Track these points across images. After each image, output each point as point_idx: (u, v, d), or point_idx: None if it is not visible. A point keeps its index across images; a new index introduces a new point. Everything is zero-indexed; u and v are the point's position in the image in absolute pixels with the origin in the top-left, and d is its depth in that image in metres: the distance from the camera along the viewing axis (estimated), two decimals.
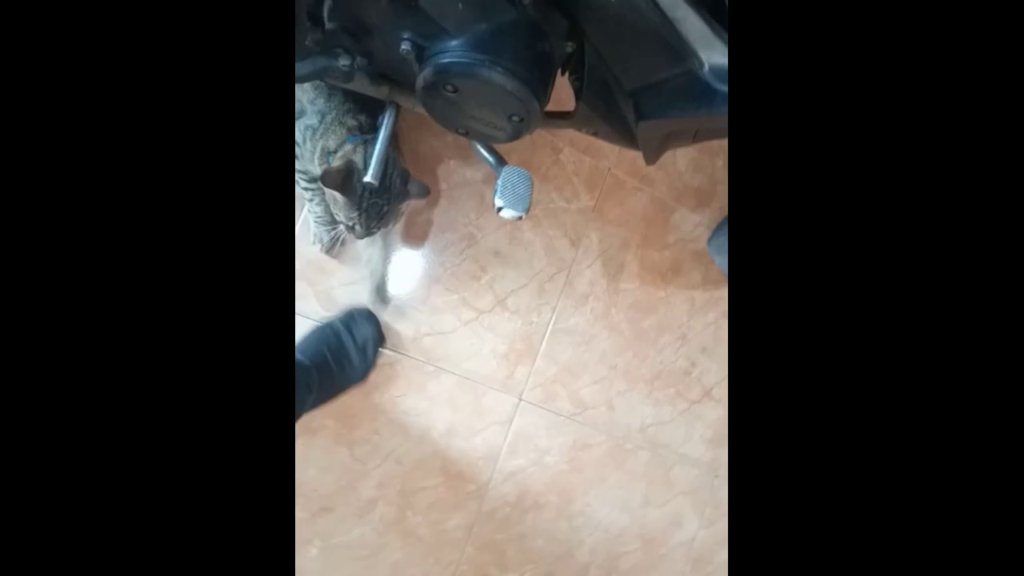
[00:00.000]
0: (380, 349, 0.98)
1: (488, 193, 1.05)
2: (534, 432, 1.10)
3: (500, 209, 0.69)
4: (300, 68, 0.64)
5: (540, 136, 1.07)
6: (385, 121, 0.67)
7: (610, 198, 1.13)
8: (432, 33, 0.61)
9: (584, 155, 1.10)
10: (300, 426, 0.95)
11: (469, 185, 1.04)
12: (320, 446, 0.97)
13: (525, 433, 1.09)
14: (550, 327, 1.10)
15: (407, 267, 1.02)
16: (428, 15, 0.58)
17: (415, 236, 1.02)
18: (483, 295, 1.06)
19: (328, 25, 0.64)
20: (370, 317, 0.97)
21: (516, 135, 0.69)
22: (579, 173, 1.10)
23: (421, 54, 0.62)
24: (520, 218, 0.70)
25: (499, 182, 0.69)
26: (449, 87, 0.62)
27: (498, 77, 0.59)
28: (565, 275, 1.11)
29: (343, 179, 0.70)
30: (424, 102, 0.66)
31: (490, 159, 0.73)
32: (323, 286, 0.96)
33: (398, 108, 0.69)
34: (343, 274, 0.98)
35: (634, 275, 1.16)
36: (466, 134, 0.71)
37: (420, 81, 0.63)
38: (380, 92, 0.71)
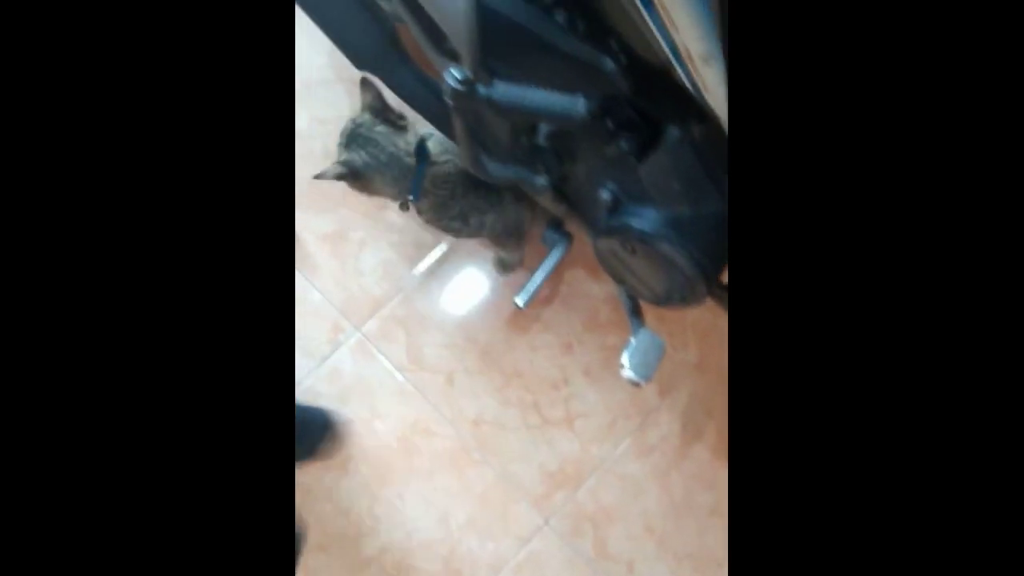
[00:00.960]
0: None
1: (604, 311, 1.03)
2: (547, 561, 1.04)
3: (623, 368, 0.66)
4: (497, 169, 0.64)
5: None
6: (553, 253, 0.66)
7: (716, 361, 1.08)
8: (635, 194, 0.60)
9: (706, 310, 1.06)
10: (336, 461, 0.94)
11: (588, 298, 1.02)
12: (346, 487, 0.95)
13: (538, 559, 1.04)
14: (605, 464, 1.05)
15: (499, 349, 1.00)
16: (639, 177, 0.57)
17: (517, 326, 1.01)
18: (556, 406, 1.02)
19: (540, 142, 0.65)
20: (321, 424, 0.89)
21: (667, 305, 0.67)
22: (697, 326, 1.07)
23: (616, 205, 0.61)
24: (639, 385, 0.67)
25: (633, 342, 0.67)
26: (630, 247, 0.61)
27: (683, 261, 0.57)
28: (641, 419, 1.06)
29: None
30: (597, 244, 0.65)
31: (631, 312, 0.71)
32: (418, 341, 0.96)
33: (569, 243, 0.68)
34: (441, 336, 0.97)
35: (709, 446, 1.10)
36: (620, 283, 0.69)
37: (605, 228, 0.62)
38: (556, 209, 0.71)
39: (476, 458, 1.00)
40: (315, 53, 0.94)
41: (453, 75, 0.47)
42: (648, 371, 0.67)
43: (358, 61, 0.65)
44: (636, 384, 0.67)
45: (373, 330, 0.96)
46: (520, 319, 1.01)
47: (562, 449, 1.03)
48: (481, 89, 0.48)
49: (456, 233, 0.82)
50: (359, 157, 0.74)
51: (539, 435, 1.02)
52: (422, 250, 0.98)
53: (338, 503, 0.95)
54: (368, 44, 0.63)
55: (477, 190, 0.77)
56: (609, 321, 1.02)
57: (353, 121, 0.73)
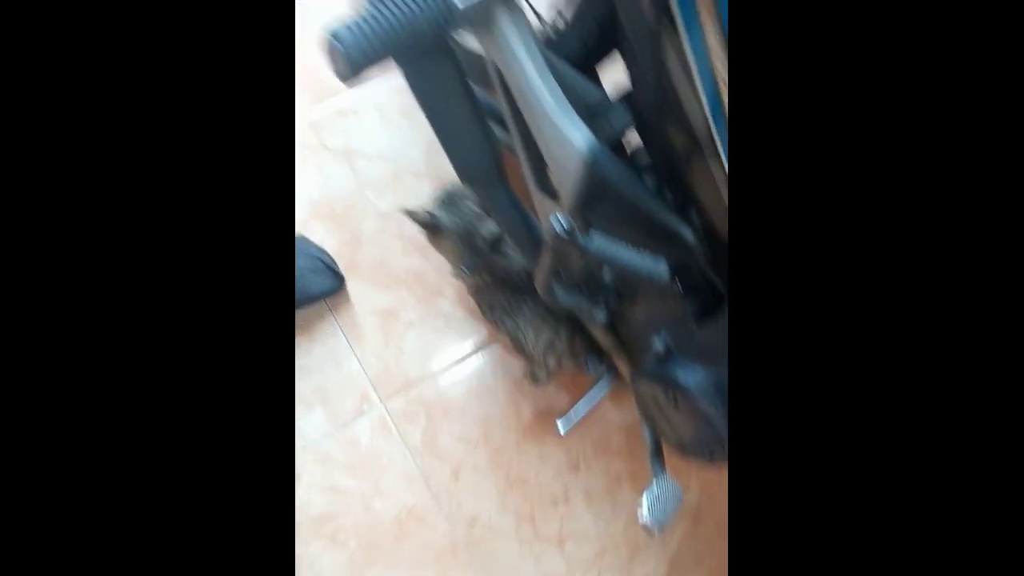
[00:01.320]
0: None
1: (616, 438, 1.06)
2: None
3: (642, 512, 0.69)
4: (563, 296, 0.70)
5: None
6: (600, 386, 0.71)
7: (715, 513, 1.09)
8: (688, 349, 0.65)
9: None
10: (321, 525, 0.94)
11: (604, 422, 1.05)
12: (330, 559, 0.94)
13: None
14: None
15: (509, 453, 1.02)
16: (695, 336, 0.63)
17: (532, 434, 1.03)
18: (551, 523, 1.03)
19: (605, 279, 0.71)
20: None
21: (689, 456, 0.70)
22: (702, 474, 1.08)
23: (667, 355, 0.66)
24: (653, 533, 0.69)
25: (655, 489, 0.70)
26: (672, 396, 0.65)
27: (720, 424, 0.62)
28: (630, 554, 1.06)
29: None
30: (639, 385, 0.70)
31: (653, 453, 0.74)
32: (435, 427, 0.99)
33: (615, 377, 0.73)
34: (458, 427, 1.00)
35: None
36: (649, 423, 0.73)
37: (651, 372, 0.67)
38: (605, 342, 0.76)
39: (463, 559, 0.99)
40: (413, 145, 1.04)
41: (559, 222, 0.54)
42: (665, 520, 0.69)
43: (462, 173, 0.73)
44: (650, 532, 0.69)
45: (397, 408, 0.99)
46: (535, 428, 1.04)
47: (548, 569, 1.02)
48: (580, 238, 0.55)
49: (492, 322, 0.89)
50: (445, 217, 0.84)
51: (528, 549, 1.02)
52: (463, 343, 1.03)
53: (319, 573, 0.94)
54: (476, 161, 0.71)
55: (522, 297, 0.84)
56: (619, 449, 1.05)
57: (454, 186, 0.85)
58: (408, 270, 1.02)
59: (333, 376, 0.98)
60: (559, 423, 0.72)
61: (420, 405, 1.00)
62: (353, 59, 0.46)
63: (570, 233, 0.55)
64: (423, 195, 1.05)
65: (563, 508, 1.03)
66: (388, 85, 1.05)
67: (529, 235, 0.73)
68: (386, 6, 0.48)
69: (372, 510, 0.96)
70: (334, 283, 0.97)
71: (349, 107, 1.02)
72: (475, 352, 1.03)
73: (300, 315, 0.97)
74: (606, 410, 1.05)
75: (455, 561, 0.99)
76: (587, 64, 0.74)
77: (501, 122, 0.76)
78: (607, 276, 0.72)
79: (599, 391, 0.71)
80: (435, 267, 1.03)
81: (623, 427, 1.06)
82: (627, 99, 0.70)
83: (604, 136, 0.61)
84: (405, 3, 0.48)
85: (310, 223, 0.99)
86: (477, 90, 0.67)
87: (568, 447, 1.04)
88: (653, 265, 0.56)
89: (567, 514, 1.03)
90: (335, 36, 0.47)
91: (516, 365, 1.05)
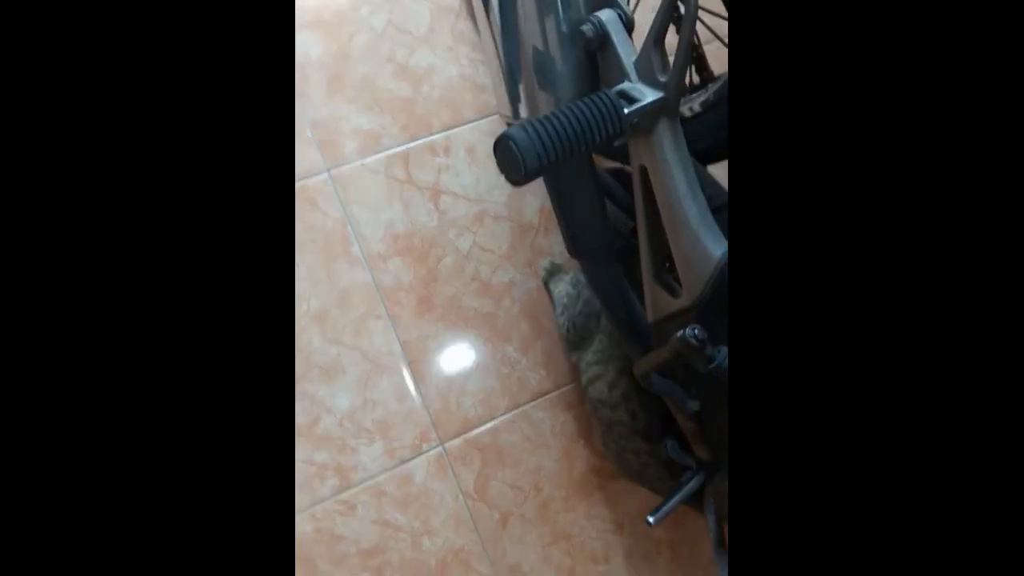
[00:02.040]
0: None
1: None
2: None
3: None
4: (660, 383, 0.71)
5: None
6: (692, 482, 0.71)
7: None
8: None
9: None
10: (370, 558, 0.95)
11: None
12: None
13: None
14: None
15: (557, 506, 1.03)
16: None
17: (582, 489, 1.04)
18: None
19: (704, 353, 0.71)
20: None
21: None
22: None
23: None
24: None
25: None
26: None
27: None
28: None
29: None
30: (718, 481, 0.70)
31: (717, 542, 0.75)
32: (489, 472, 0.99)
33: (705, 475, 0.73)
34: (511, 474, 1.01)
35: None
36: (720, 516, 0.73)
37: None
38: (690, 432, 0.76)
39: None
40: (497, 188, 1.05)
41: (694, 332, 0.54)
42: None
43: (574, 249, 0.73)
44: None
45: (455, 449, 1.00)
46: (585, 484, 1.04)
47: None
48: (709, 349, 0.55)
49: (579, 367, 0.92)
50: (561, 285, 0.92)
51: None
52: (524, 392, 1.03)
53: None
54: (591, 241, 0.71)
55: (610, 368, 0.85)
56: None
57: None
58: (479, 312, 1.03)
59: (396, 410, 0.98)
60: (649, 517, 0.73)
61: (476, 449, 1.01)
62: (529, 163, 0.47)
63: (702, 343, 0.55)
64: (502, 237, 1.05)
65: (603, 567, 1.04)
66: (480, 127, 1.05)
67: (629, 318, 0.74)
68: (562, 112, 0.48)
69: (420, 548, 0.97)
70: None
71: (441, 145, 1.03)
72: (534, 401, 1.04)
73: (370, 347, 0.98)
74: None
75: None
76: (705, 161, 0.74)
77: (613, 197, 0.76)
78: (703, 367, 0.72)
79: (690, 486, 0.72)
80: (505, 312, 1.04)
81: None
82: None
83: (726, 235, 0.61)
84: (578, 109, 0.49)
85: (390, 257, 1.00)
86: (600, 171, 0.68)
87: (614, 506, 1.04)
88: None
89: (606, 573, 1.04)
90: (511, 137, 0.47)
91: (573, 421, 1.05)
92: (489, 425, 1.02)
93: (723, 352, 0.57)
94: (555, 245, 1.06)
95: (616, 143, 0.52)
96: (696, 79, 0.80)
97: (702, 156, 0.76)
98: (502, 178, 1.08)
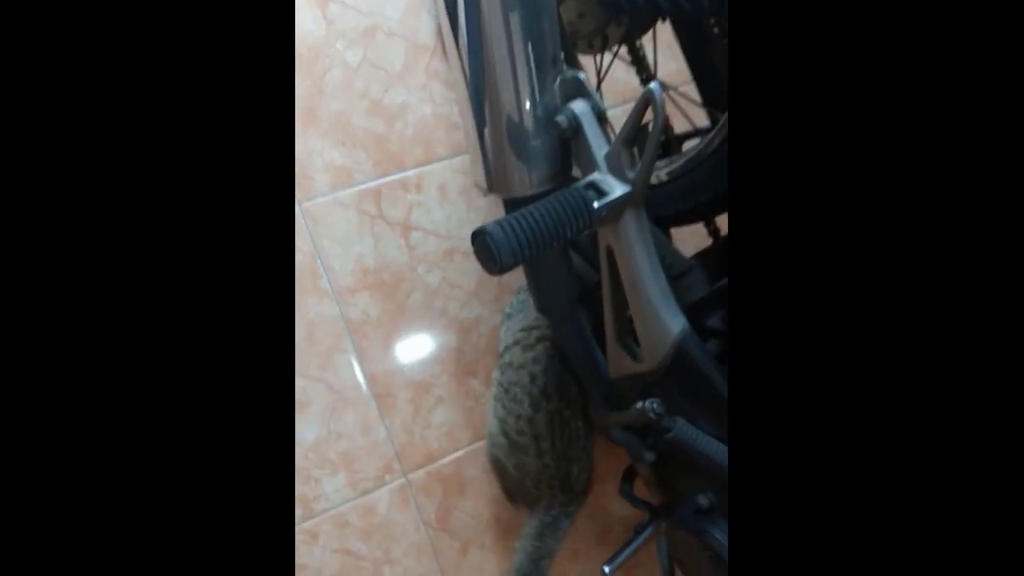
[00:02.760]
0: None
1: (617, 530, 1.12)
2: None
3: None
4: (618, 435, 0.75)
5: None
6: (646, 531, 0.76)
7: None
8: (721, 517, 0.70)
9: None
10: None
11: (606, 514, 1.11)
12: None
13: None
14: None
15: (516, 534, 1.06)
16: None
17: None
18: None
19: (661, 425, 0.76)
20: None
21: None
22: None
23: (709, 512, 0.72)
24: None
25: None
26: (707, 550, 0.71)
27: None
28: None
29: None
30: (675, 531, 0.75)
31: None
32: (450, 503, 1.02)
33: (659, 523, 0.78)
34: (472, 505, 1.04)
35: None
36: (676, 561, 0.78)
37: (688, 524, 0.72)
38: (645, 475, 0.81)
39: None
40: (467, 224, 1.07)
41: (652, 406, 0.59)
42: None
43: (540, 304, 0.76)
44: None
45: (417, 480, 1.02)
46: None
47: None
48: (666, 421, 0.60)
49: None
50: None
51: None
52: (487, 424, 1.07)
53: None
54: (557, 298, 0.75)
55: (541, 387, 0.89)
56: (618, 541, 1.10)
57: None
58: (446, 347, 1.05)
59: (361, 443, 1.00)
60: (605, 568, 0.77)
61: (438, 480, 1.04)
62: (504, 259, 0.50)
63: (659, 416, 0.59)
64: (471, 273, 1.08)
65: None
66: (452, 165, 1.07)
67: (593, 370, 0.78)
68: (536, 209, 0.51)
69: None
70: None
71: (413, 182, 1.04)
72: None
73: (336, 380, 0.99)
74: (608, 502, 1.11)
75: None
76: (669, 225, 0.79)
77: (579, 250, 0.80)
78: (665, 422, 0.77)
79: (644, 536, 0.76)
80: (472, 347, 1.06)
81: (623, 520, 1.12)
82: (703, 265, 0.75)
83: (684, 301, 0.66)
84: (551, 206, 0.52)
85: (359, 291, 1.01)
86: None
87: (571, 536, 1.09)
88: (724, 457, 0.61)
89: None
90: (489, 234, 0.50)
91: None
92: (452, 457, 1.05)
93: (679, 423, 0.61)
94: (522, 280, 1.09)
95: (584, 233, 0.56)
96: (661, 151, 0.85)
97: (668, 221, 0.80)
98: (472, 215, 1.10)
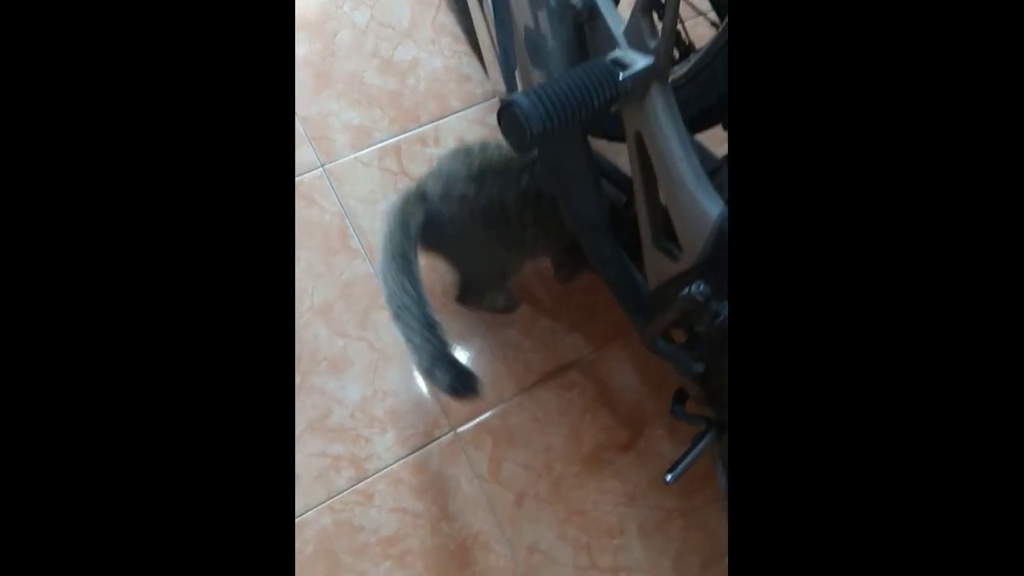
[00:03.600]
0: None
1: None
2: None
3: None
4: (664, 347, 0.73)
5: None
6: (705, 438, 0.73)
7: None
8: None
9: None
10: (390, 546, 0.95)
11: (660, 457, 1.08)
12: None
13: None
14: None
15: (569, 483, 1.04)
16: None
17: (592, 465, 1.05)
18: (607, 554, 1.05)
19: (702, 331, 0.73)
20: None
21: None
22: None
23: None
24: None
25: None
26: None
27: None
28: None
29: None
30: (725, 437, 0.72)
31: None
32: (501, 454, 1.01)
33: (716, 432, 0.75)
34: (523, 455, 1.02)
35: None
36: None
37: None
38: (695, 392, 0.78)
39: None
40: None
41: (700, 289, 0.56)
42: None
43: (575, 222, 0.75)
44: None
45: (466, 434, 1.01)
46: (595, 460, 1.06)
47: None
48: (715, 304, 0.57)
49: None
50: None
51: None
52: (529, 373, 1.05)
53: None
54: (590, 213, 0.73)
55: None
56: (674, 485, 1.07)
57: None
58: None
59: (406, 399, 1.00)
60: (667, 476, 0.74)
61: (487, 432, 1.02)
62: (534, 128, 0.48)
63: (706, 299, 0.57)
64: None
65: (618, 540, 1.06)
66: (468, 116, 1.07)
67: (629, 285, 0.76)
68: (561, 79, 0.50)
69: (440, 533, 0.98)
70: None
71: (431, 136, 1.04)
72: (539, 382, 1.06)
73: (376, 338, 0.99)
74: (662, 445, 1.08)
75: None
76: (693, 130, 0.76)
77: (609, 178, 0.78)
78: (704, 328, 0.74)
79: (703, 443, 0.74)
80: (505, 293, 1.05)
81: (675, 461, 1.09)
82: None
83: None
84: (576, 76, 0.51)
85: None
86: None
87: (625, 480, 1.06)
88: None
89: (622, 546, 1.06)
90: (516, 104, 0.49)
91: (578, 398, 1.07)
92: (498, 408, 1.04)
93: (727, 307, 0.59)
94: None
95: (612, 109, 0.54)
96: (676, 54, 0.83)
97: (686, 126, 0.78)
98: None
